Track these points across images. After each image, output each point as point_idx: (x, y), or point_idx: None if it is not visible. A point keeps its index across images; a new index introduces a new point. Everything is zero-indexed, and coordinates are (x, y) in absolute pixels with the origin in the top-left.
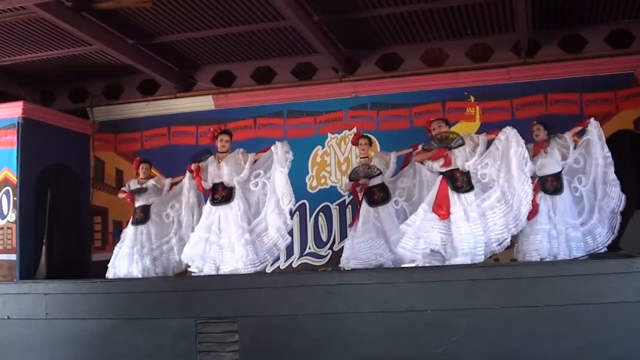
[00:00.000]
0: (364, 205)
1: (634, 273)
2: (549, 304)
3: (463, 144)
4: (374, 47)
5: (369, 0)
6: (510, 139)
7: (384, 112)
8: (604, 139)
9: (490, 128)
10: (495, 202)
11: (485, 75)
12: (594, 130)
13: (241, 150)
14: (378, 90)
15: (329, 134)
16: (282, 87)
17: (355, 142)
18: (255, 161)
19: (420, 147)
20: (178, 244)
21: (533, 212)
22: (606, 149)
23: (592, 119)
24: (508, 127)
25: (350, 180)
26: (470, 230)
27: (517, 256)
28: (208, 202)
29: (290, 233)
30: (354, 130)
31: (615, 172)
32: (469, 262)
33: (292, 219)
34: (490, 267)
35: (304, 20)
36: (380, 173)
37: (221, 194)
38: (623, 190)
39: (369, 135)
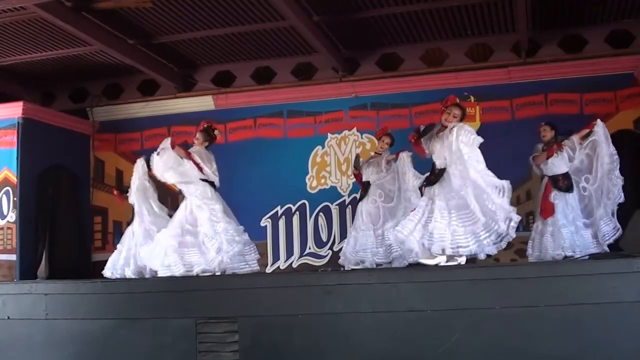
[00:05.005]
0: None
1: (634, 273)
2: (548, 304)
3: (429, 131)
4: (374, 47)
5: (369, 0)
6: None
7: (384, 112)
8: (610, 138)
9: (490, 128)
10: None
11: (485, 75)
12: (600, 131)
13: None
14: (378, 90)
15: (329, 134)
16: (282, 87)
17: (378, 136)
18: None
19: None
20: None
21: (549, 211)
22: (612, 148)
23: (598, 120)
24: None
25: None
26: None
27: (534, 254)
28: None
29: (290, 234)
30: (354, 130)
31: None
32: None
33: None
34: (490, 267)
35: (304, 20)
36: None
37: None
38: (623, 189)
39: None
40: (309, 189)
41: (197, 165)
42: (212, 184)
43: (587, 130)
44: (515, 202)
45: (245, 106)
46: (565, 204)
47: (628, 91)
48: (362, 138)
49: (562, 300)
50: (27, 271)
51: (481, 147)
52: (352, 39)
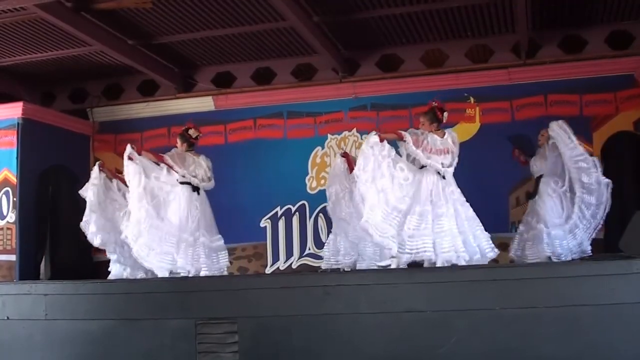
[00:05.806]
0: None
1: (633, 274)
2: (548, 305)
3: None
4: (374, 47)
5: (369, 1)
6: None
7: (384, 113)
8: (573, 138)
9: (490, 129)
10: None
11: (485, 76)
12: (553, 134)
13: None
14: (378, 91)
15: (329, 135)
16: (282, 88)
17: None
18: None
19: None
20: None
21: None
22: (577, 150)
23: (551, 123)
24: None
25: None
26: None
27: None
28: None
29: (290, 235)
30: (354, 131)
31: (615, 173)
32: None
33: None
34: (489, 268)
35: (304, 21)
36: None
37: None
38: (623, 190)
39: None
40: (308, 190)
41: (169, 167)
42: (194, 186)
43: (546, 135)
44: (515, 203)
45: (245, 107)
46: (529, 211)
47: (628, 92)
48: (362, 139)
49: (561, 302)
50: (26, 271)
51: (482, 148)
52: (352, 40)
